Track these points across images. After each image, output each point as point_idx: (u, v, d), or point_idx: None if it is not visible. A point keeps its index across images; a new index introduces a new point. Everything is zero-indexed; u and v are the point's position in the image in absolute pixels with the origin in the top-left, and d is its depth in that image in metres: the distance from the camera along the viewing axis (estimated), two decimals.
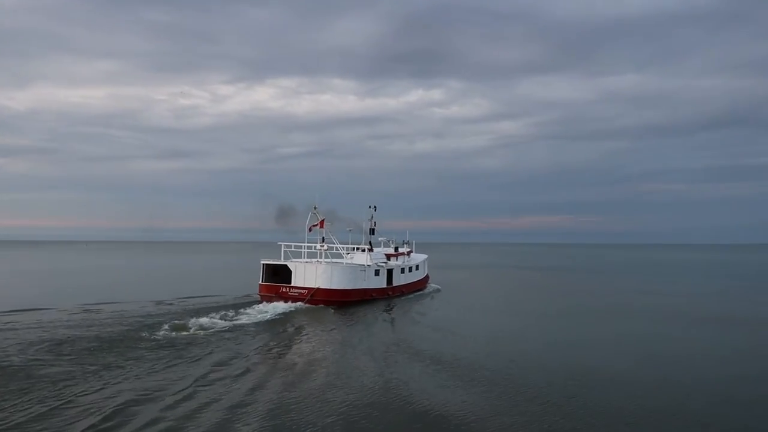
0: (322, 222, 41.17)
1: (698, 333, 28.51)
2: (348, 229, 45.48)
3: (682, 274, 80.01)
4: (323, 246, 41.30)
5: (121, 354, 21.01)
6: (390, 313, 34.98)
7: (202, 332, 25.81)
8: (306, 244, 40.68)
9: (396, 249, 50.57)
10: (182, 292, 43.36)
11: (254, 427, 13.52)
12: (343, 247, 43.32)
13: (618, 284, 60.46)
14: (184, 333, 25.53)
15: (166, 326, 26.59)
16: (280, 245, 41.06)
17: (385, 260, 45.34)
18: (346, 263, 40.41)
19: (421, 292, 47.68)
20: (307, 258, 40.74)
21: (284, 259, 40.11)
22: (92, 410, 14.45)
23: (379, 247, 49.13)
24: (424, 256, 53.69)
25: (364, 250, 43.45)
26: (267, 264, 39.12)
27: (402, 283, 44.99)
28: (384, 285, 42.05)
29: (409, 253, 52.02)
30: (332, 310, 34.58)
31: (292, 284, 37.43)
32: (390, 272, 43.13)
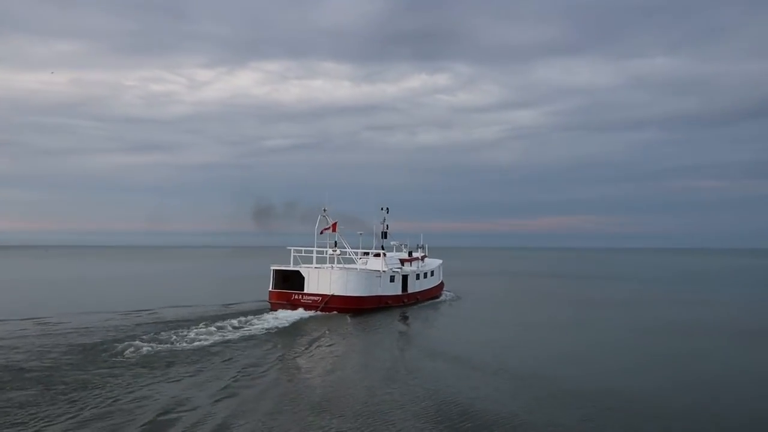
0: (334, 225, 39.52)
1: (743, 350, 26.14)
2: (359, 232, 43.78)
3: (724, 282, 73.54)
4: (336, 251, 39.61)
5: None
6: (406, 324, 33.05)
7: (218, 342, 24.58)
8: (315, 248, 39.03)
9: (410, 253, 48.83)
10: (183, 301, 41.52)
11: None
12: (355, 252, 41.57)
13: (674, 295, 54.00)
14: (197, 343, 24.18)
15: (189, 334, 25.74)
16: (290, 249, 39.38)
17: (400, 266, 43.51)
18: (361, 269, 38.64)
19: (436, 300, 45.77)
20: (316, 263, 39.01)
21: (294, 264, 38.36)
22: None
23: (392, 251, 47.34)
24: (438, 261, 51.78)
25: (377, 255, 41.65)
26: (277, 270, 37.42)
27: (417, 290, 43.16)
28: (399, 292, 40.28)
29: (423, 258, 50.17)
30: (348, 319, 33.07)
31: (305, 291, 35.71)
32: (405, 278, 41.35)
